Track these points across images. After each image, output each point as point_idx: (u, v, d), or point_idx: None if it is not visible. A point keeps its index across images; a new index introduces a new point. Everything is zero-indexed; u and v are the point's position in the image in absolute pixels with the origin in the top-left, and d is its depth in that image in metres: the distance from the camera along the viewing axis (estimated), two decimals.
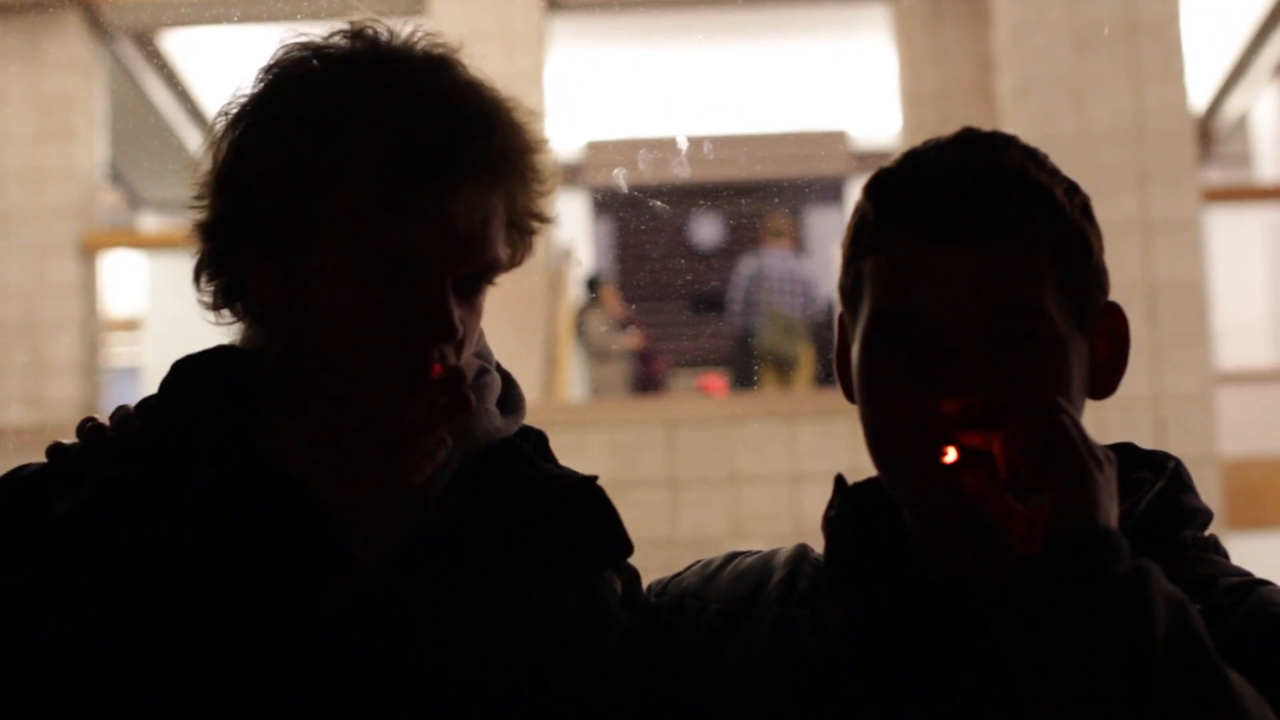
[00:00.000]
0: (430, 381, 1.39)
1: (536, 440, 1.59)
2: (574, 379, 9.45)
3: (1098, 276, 1.47)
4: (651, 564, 1.62)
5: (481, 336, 1.53)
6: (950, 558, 1.44)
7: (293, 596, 1.38)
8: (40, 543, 1.42)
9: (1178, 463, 1.50)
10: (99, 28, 8.81)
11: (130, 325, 10.48)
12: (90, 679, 1.35)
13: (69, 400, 8.21)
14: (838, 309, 1.55)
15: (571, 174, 9.93)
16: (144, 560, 1.39)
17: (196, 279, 1.50)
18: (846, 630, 1.45)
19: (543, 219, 1.51)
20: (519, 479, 1.54)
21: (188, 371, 1.53)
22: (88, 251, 8.60)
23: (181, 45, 9.62)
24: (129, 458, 1.48)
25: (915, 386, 1.39)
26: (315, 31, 1.49)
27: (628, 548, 1.57)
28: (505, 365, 1.60)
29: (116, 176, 10.18)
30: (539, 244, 1.55)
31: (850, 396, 1.51)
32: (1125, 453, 1.52)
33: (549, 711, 1.45)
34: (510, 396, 1.58)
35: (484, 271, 1.45)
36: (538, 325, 7.82)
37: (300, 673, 1.38)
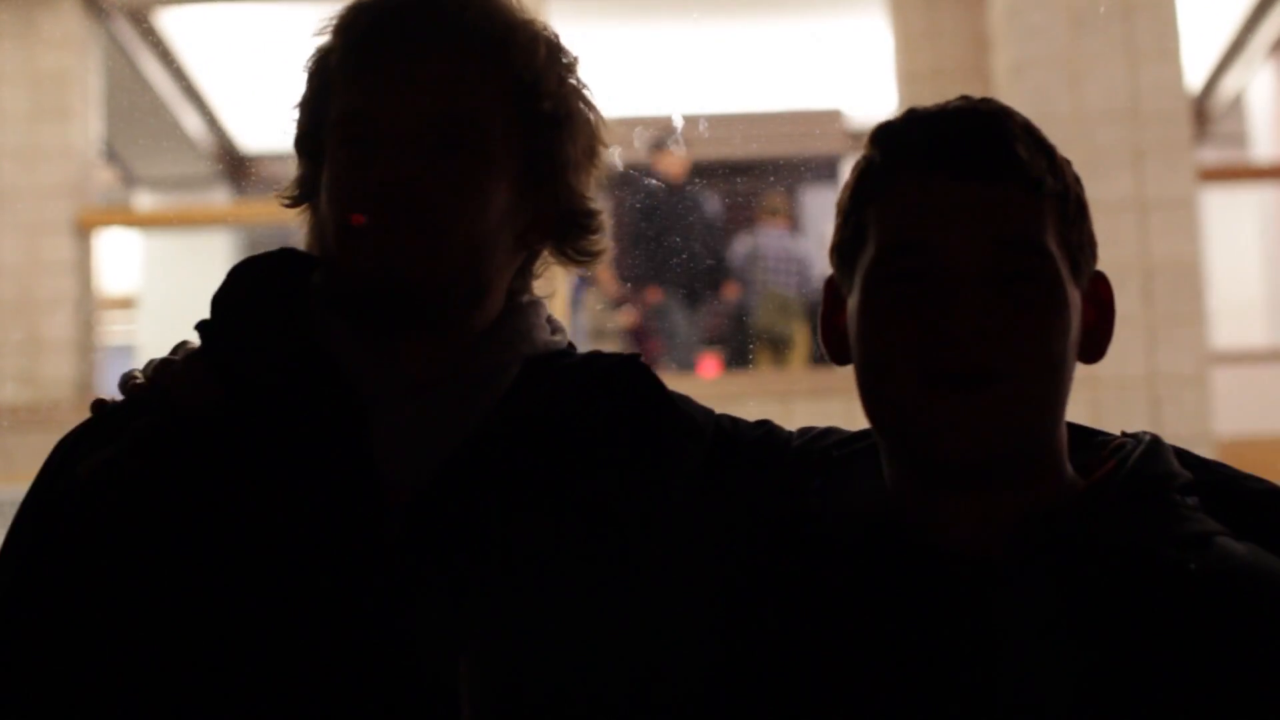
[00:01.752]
0: (353, 232, 1.47)
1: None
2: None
3: (1091, 240, 1.49)
4: None
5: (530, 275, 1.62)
6: (936, 513, 1.45)
7: (337, 504, 1.40)
8: (64, 505, 1.44)
9: (1155, 435, 1.52)
10: (94, 5, 8.78)
11: (125, 303, 10.46)
12: (122, 624, 1.37)
13: (64, 378, 8.20)
14: (827, 274, 1.56)
15: None
16: (180, 499, 1.41)
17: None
18: (833, 602, 1.45)
19: (554, 95, 1.57)
20: (563, 369, 1.59)
21: (247, 271, 1.58)
22: (83, 229, 8.58)
23: (177, 23, 9.59)
24: (167, 403, 1.50)
25: (919, 321, 1.40)
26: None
27: (686, 425, 1.58)
28: (537, 279, 1.67)
29: (112, 154, 10.15)
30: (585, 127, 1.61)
31: (836, 357, 1.51)
32: (1091, 434, 1.55)
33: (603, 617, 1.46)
34: (553, 323, 1.65)
35: (450, 129, 1.48)
36: None
37: (358, 579, 1.42)
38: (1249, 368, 8.81)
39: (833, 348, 1.54)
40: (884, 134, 1.50)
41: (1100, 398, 6.57)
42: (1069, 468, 1.48)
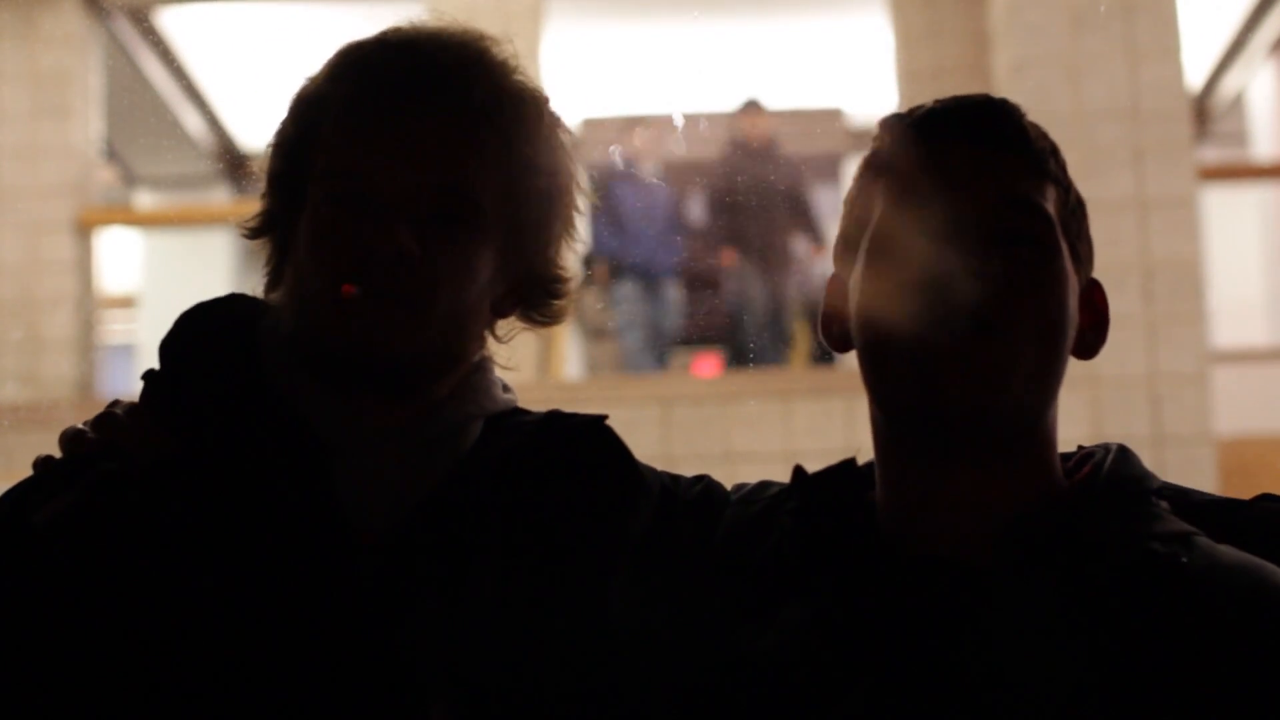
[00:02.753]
0: (341, 299, 1.43)
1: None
2: (570, 357, 9.45)
3: (1089, 240, 1.52)
4: None
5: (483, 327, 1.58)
6: (925, 519, 1.45)
7: (305, 544, 1.40)
8: (19, 555, 1.43)
9: (1121, 444, 1.54)
10: (94, 4, 8.78)
11: (125, 302, 10.46)
12: (87, 673, 1.36)
13: (64, 377, 8.20)
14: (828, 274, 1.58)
15: None
16: (145, 545, 1.40)
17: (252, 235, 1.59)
18: (817, 621, 1.45)
19: (549, 173, 1.55)
20: (527, 426, 1.59)
21: (195, 319, 1.58)
22: (83, 228, 8.57)
23: (177, 22, 9.59)
24: (116, 455, 1.49)
25: (922, 271, 1.43)
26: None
27: (640, 485, 1.59)
28: (502, 344, 1.65)
29: (112, 153, 10.15)
30: (569, 218, 1.61)
31: (838, 346, 1.54)
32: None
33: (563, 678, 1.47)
34: (502, 382, 1.64)
35: (446, 201, 1.48)
36: None
37: (329, 621, 1.41)
38: (1249, 367, 8.81)
39: (834, 338, 1.57)
40: (894, 119, 1.54)
41: (1100, 396, 6.57)
42: (1059, 470, 1.49)
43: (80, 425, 1.55)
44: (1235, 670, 1.34)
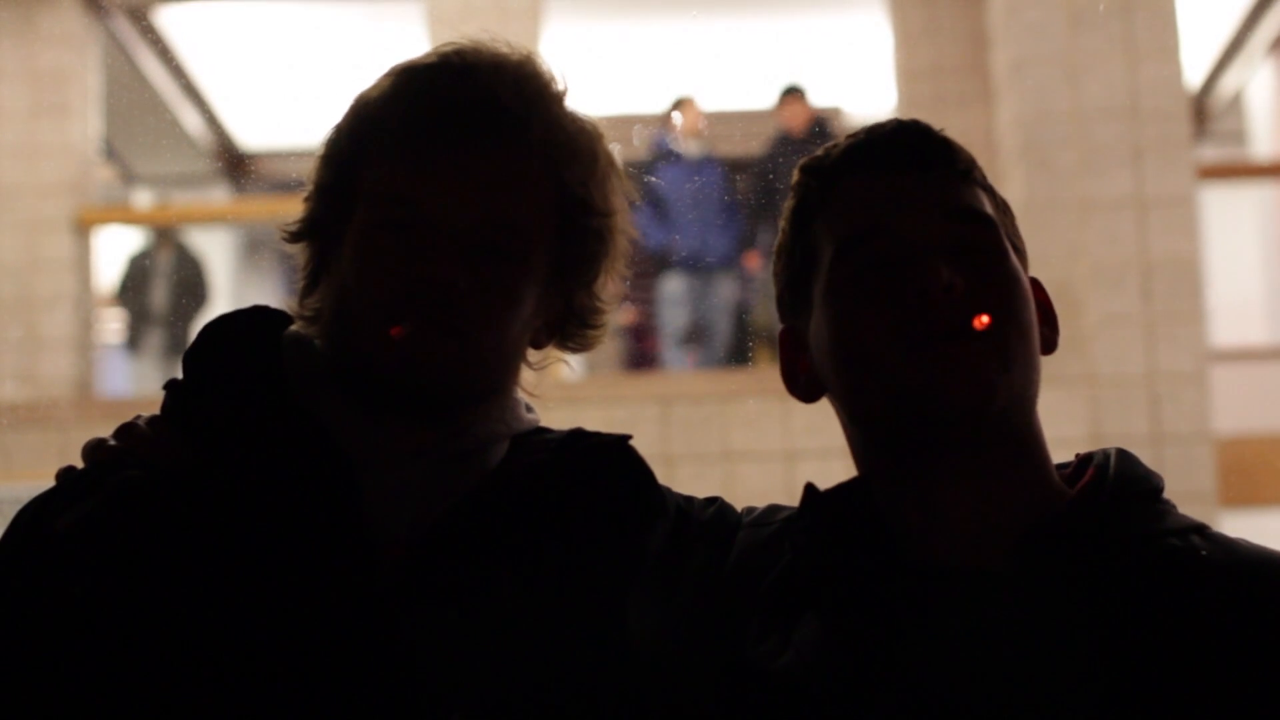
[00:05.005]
0: (388, 337, 1.43)
1: None
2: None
3: (1021, 240, 1.57)
4: None
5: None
6: (932, 528, 1.46)
7: (328, 555, 1.40)
8: (42, 562, 1.43)
9: (1120, 448, 1.55)
10: (94, 3, 8.78)
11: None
12: (108, 679, 1.36)
13: (63, 376, 8.20)
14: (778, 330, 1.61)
15: None
16: (167, 552, 1.40)
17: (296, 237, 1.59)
18: (834, 638, 1.45)
19: (602, 213, 1.55)
20: (550, 443, 1.60)
21: (220, 330, 1.58)
22: (82, 227, 8.58)
23: (176, 20, 9.59)
24: (137, 463, 1.49)
25: (891, 297, 1.45)
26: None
27: (660, 504, 1.60)
28: (535, 370, 1.67)
29: (111, 152, 10.16)
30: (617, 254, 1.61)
31: (807, 396, 1.55)
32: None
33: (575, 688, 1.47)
34: (525, 403, 1.65)
35: (500, 237, 1.47)
36: None
37: (351, 631, 1.42)
38: (1248, 366, 8.82)
39: (801, 389, 1.59)
40: (812, 163, 1.56)
41: (1099, 396, 6.57)
42: (1054, 473, 1.50)
43: (106, 438, 1.55)
44: (1265, 658, 1.34)
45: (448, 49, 1.54)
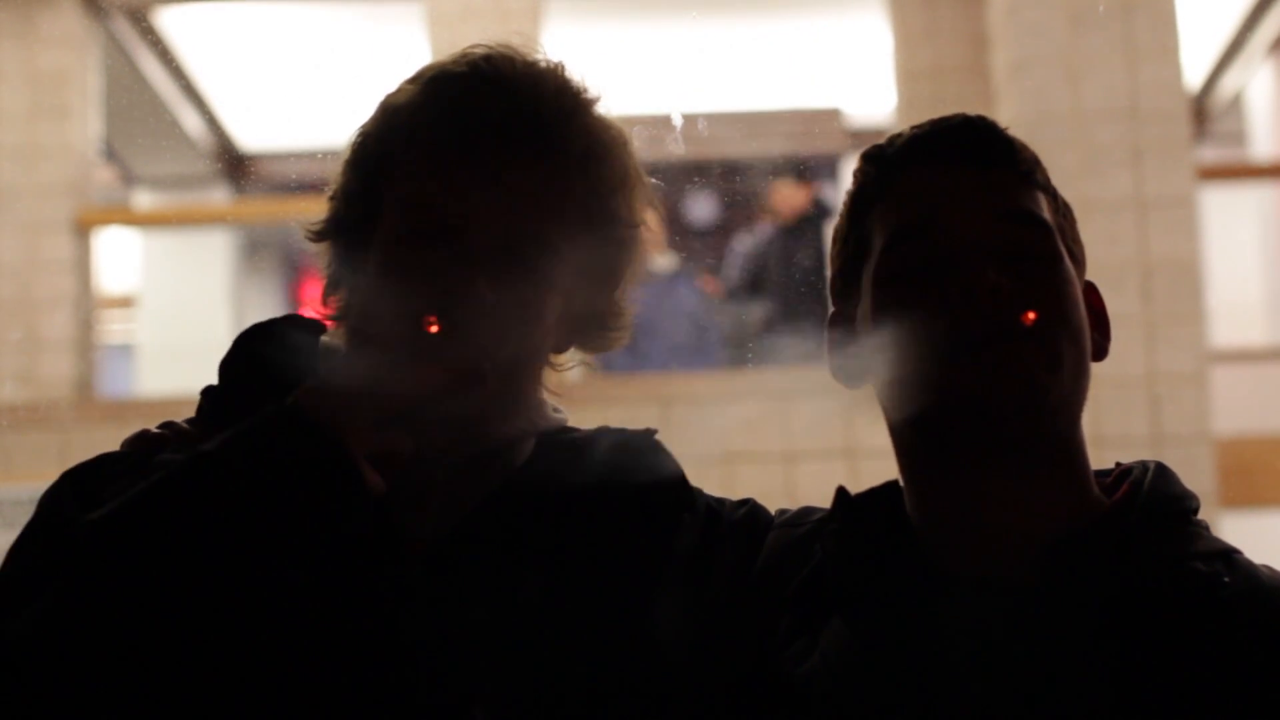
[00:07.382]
0: (424, 336, 1.43)
1: None
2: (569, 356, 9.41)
3: (1081, 244, 1.53)
4: None
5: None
6: (965, 538, 1.45)
7: (354, 552, 1.40)
8: (73, 551, 1.42)
9: (1160, 462, 1.54)
10: (93, 4, 8.77)
11: (124, 303, 10.45)
12: (133, 673, 1.35)
13: (63, 378, 8.19)
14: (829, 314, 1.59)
15: None
16: (196, 548, 1.39)
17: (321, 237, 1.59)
18: (861, 642, 1.45)
19: (629, 223, 1.55)
20: (577, 441, 1.62)
21: (253, 338, 1.58)
22: (82, 228, 8.57)
23: (176, 22, 9.59)
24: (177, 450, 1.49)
25: (939, 295, 1.43)
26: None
27: (689, 501, 1.60)
28: (557, 372, 1.68)
29: (111, 153, 10.15)
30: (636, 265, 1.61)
31: (851, 381, 1.53)
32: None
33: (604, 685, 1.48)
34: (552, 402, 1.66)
35: (529, 249, 1.47)
36: None
37: (377, 625, 1.43)
38: (1248, 366, 8.81)
39: (846, 374, 1.57)
40: (876, 150, 1.55)
41: (1099, 396, 6.53)
42: (1094, 486, 1.49)
43: (146, 429, 1.57)
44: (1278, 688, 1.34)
45: (476, 55, 1.53)
